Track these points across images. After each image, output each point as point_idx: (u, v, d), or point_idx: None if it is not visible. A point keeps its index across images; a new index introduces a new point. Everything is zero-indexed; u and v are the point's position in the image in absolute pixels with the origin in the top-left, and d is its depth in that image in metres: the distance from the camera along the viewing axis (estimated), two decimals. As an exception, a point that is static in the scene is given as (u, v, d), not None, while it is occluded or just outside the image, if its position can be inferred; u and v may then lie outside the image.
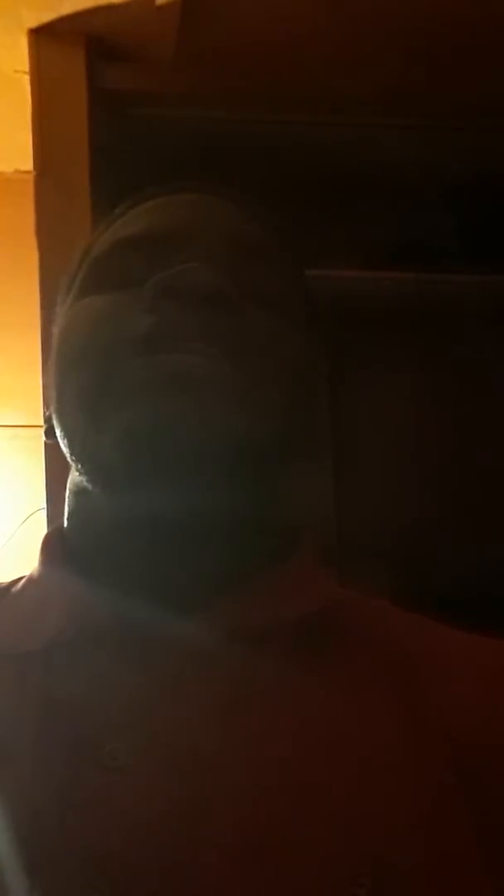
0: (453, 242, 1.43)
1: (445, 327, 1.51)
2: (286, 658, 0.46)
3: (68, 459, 0.50)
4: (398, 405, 1.54)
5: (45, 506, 1.11)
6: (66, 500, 0.53)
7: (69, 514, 0.53)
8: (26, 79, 1.24)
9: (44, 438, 0.55)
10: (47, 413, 0.54)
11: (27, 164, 1.24)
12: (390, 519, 1.48)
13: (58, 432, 0.51)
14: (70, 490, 0.52)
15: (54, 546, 0.53)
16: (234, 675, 0.45)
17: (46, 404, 0.54)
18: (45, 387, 0.54)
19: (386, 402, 1.54)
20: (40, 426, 0.57)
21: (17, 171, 1.48)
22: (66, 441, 0.50)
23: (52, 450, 0.58)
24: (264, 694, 0.45)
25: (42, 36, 1.21)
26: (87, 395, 0.47)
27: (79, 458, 0.48)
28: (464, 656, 0.49)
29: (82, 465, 0.48)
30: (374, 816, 0.41)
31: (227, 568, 0.48)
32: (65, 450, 0.50)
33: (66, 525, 0.53)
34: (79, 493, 0.51)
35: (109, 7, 1.16)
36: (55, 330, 0.54)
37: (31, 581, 0.52)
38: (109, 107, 1.25)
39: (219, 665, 0.45)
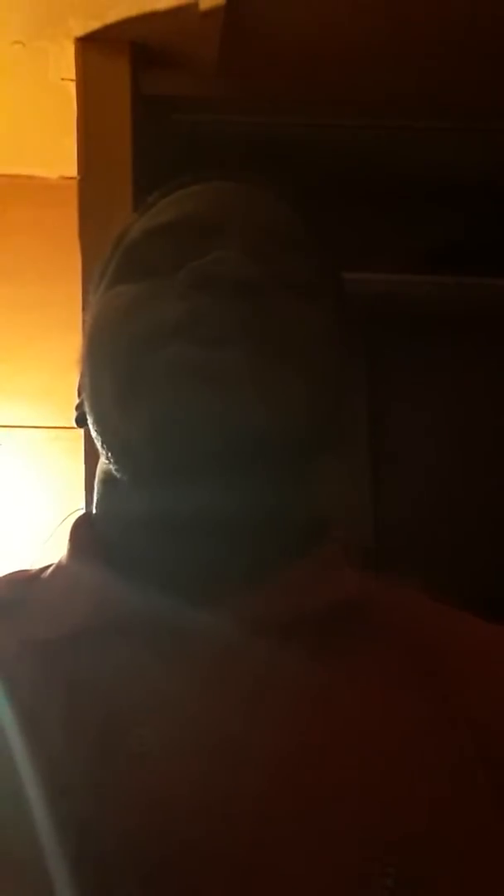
0: (495, 245, 1.41)
1: (486, 330, 1.49)
2: (311, 649, 0.46)
3: (98, 447, 0.50)
4: (438, 407, 1.53)
5: (83, 506, 1.13)
6: (95, 488, 0.53)
7: (97, 502, 0.53)
8: (72, 86, 1.26)
9: (74, 425, 0.56)
10: (79, 399, 0.55)
11: (72, 170, 1.26)
12: (428, 519, 1.47)
13: (89, 420, 0.51)
14: (99, 479, 0.53)
15: (82, 534, 0.53)
16: (259, 665, 0.45)
17: (79, 391, 0.55)
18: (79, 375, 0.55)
19: (426, 404, 1.53)
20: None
21: (62, 178, 1.51)
22: (96, 429, 0.50)
23: (91, 450, 0.58)
24: (289, 683, 0.45)
25: (88, 44, 1.23)
26: (117, 383, 0.48)
27: (109, 446, 0.49)
28: (491, 645, 0.48)
29: (112, 454, 0.49)
30: (400, 804, 0.41)
31: (252, 560, 0.48)
32: (95, 437, 0.50)
33: (94, 513, 0.54)
34: (107, 481, 0.51)
35: (153, 14, 1.17)
36: (87, 317, 0.54)
37: (60, 569, 0.53)
38: (153, 113, 1.27)
39: (243, 656, 0.45)
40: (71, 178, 1.28)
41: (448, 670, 0.47)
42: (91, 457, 1.06)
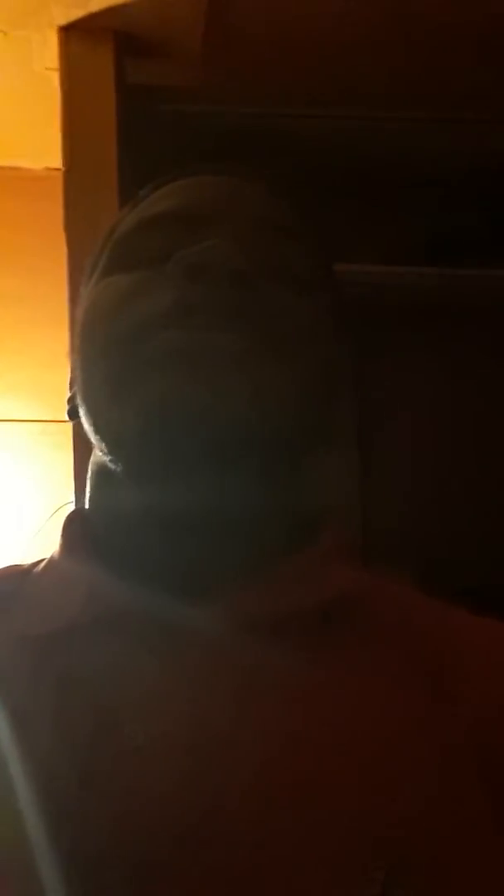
0: (483, 237, 1.42)
1: (477, 322, 1.49)
2: (304, 644, 0.46)
3: (91, 439, 0.50)
4: (426, 399, 1.53)
5: (73, 499, 1.13)
6: (88, 481, 0.53)
7: (90, 496, 0.53)
8: (56, 76, 1.25)
9: (62, 419, 0.56)
10: (71, 392, 0.55)
11: (57, 161, 1.25)
12: (417, 514, 1.47)
13: (81, 411, 0.51)
14: (92, 472, 0.53)
15: (75, 528, 0.53)
16: (250, 661, 0.45)
17: (71, 384, 0.55)
18: (71, 368, 0.55)
19: (414, 397, 1.53)
20: (69, 421, 0.57)
21: (47, 169, 1.49)
22: (89, 420, 0.50)
23: (80, 444, 0.58)
24: (280, 679, 0.45)
25: (71, 33, 1.21)
26: (109, 374, 0.48)
27: (102, 437, 0.49)
28: (486, 641, 0.49)
29: (105, 445, 0.48)
30: (392, 800, 0.41)
31: (244, 556, 0.48)
32: (88, 429, 0.50)
33: (87, 507, 0.53)
34: (100, 474, 0.51)
35: (136, 2, 1.16)
36: (79, 309, 0.54)
37: (52, 563, 0.53)
38: (137, 102, 1.26)
39: (234, 652, 0.45)
40: (56, 169, 1.27)
41: (445, 667, 0.47)
42: (80, 451, 1.06)
